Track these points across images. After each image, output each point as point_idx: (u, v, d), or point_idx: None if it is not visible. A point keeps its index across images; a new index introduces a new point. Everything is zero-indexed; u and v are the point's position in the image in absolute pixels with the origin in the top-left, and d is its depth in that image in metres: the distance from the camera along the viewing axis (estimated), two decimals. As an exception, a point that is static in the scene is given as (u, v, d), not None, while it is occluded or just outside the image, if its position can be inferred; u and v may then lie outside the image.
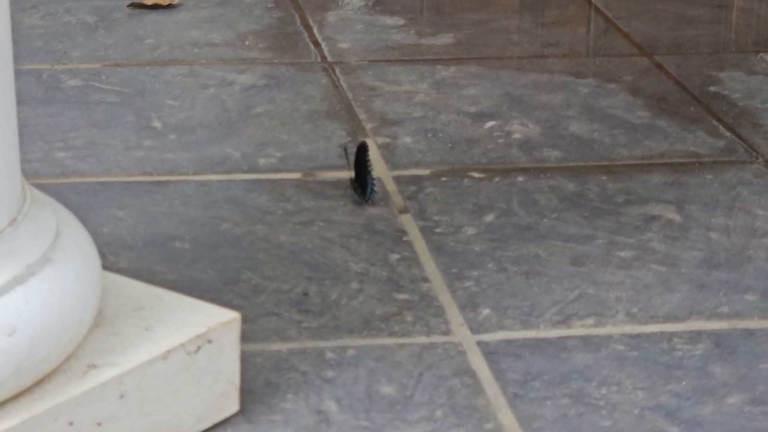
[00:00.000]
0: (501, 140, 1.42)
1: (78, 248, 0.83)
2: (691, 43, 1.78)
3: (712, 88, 1.59)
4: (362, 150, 1.25)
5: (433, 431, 0.87)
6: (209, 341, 0.84)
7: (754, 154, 1.41)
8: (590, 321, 1.04)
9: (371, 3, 1.85)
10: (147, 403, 0.82)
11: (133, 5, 1.78)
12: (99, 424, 0.79)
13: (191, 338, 0.83)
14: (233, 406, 0.88)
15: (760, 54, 1.69)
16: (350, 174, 1.28)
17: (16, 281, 0.74)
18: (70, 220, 0.87)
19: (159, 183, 1.29)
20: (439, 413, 0.89)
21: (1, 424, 0.75)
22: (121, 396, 0.79)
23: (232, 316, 0.87)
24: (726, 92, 1.57)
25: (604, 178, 1.33)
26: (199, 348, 0.83)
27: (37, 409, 0.77)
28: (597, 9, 1.88)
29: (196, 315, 0.87)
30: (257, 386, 0.93)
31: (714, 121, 1.49)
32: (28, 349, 0.74)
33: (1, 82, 0.78)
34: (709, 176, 1.35)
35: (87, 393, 0.78)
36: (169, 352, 0.82)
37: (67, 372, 0.80)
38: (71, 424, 0.77)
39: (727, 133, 1.45)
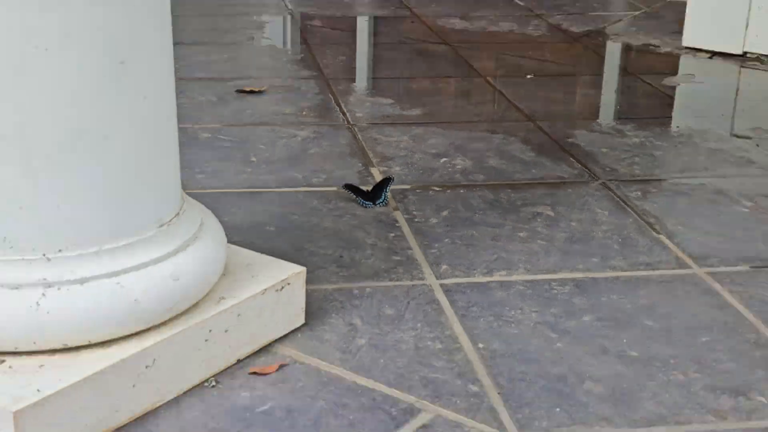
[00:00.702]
0: (449, 169, 1.82)
1: (213, 231, 1.13)
2: (557, 114, 2.21)
3: (569, 140, 1.99)
4: (388, 179, 1.66)
5: (416, 335, 1.21)
6: (288, 284, 1.17)
7: (594, 177, 1.80)
8: (503, 272, 1.41)
9: (373, 91, 2.28)
10: (252, 318, 1.12)
11: (238, 91, 2.23)
12: (226, 331, 1.10)
13: (278, 282, 1.15)
14: (301, 320, 1.22)
15: (595, 121, 2.15)
16: (366, 188, 1.65)
17: (178, 250, 1.04)
18: (208, 214, 1.17)
19: (255, 193, 1.68)
20: (419, 325, 1.24)
21: (169, 332, 1.03)
22: (239, 315, 1.10)
23: (300, 269, 1.20)
24: (577, 142, 1.98)
25: (509, 191, 1.72)
26: (282, 288, 1.16)
27: (191, 323, 1.06)
28: (502, 94, 2.30)
29: (281, 269, 1.19)
30: (314, 309, 1.26)
31: (571, 159, 1.89)
32: (185, 288, 1.03)
33: (168, 121, 1.06)
34: (569, 190, 1.73)
35: (219, 314, 1.08)
36: (265, 290, 1.13)
37: (207, 302, 1.09)
38: (210, 330, 1.08)
39: (578, 165, 1.85)
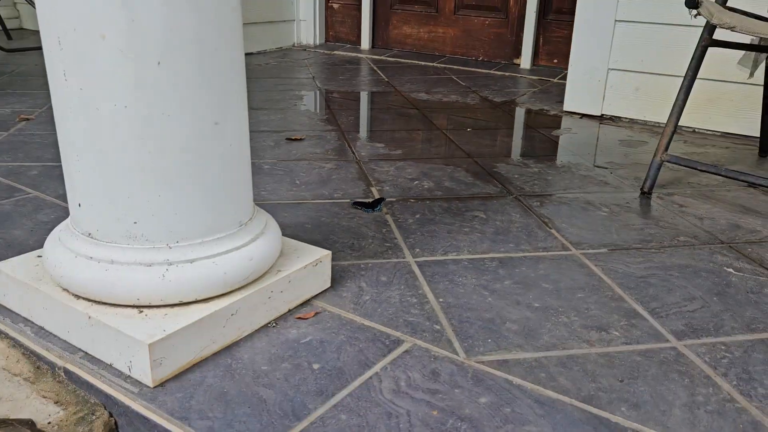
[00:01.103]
0: (420, 189, 1.78)
1: (273, 228, 1.12)
2: (485, 153, 2.21)
3: (494, 170, 1.96)
4: (382, 199, 1.64)
5: (400, 294, 1.20)
6: (320, 261, 1.16)
7: (510, 193, 1.78)
8: (455, 253, 1.38)
9: (371, 138, 2.25)
10: (298, 283, 1.13)
11: (287, 139, 2.19)
12: (282, 292, 1.10)
13: (314, 260, 1.15)
14: (328, 284, 1.21)
15: (509, 158, 2.11)
16: (367, 201, 1.62)
17: (252, 240, 1.04)
18: (270, 218, 1.15)
19: (299, 204, 1.62)
20: (402, 287, 1.23)
21: (246, 293, 1.02)
22: (289, 281, 1.11)
23: (328, 252, 1.18)
24: (500, 172, 1.96)
25: (457, 202, 1.69)
26: (316, 264, 1.15)
27: (259, 287, 1.05)
28: (453, 141, 2.28)
29: (316, 252, 1.17)
30: (336, 277, 1.25)
31: (495, 182, 1.85)
32: (257, 265, 1.03)
33: (244, 157, 1.06)
34: (494, 201, 1.70)
35: (277, 281, 1.08)
36: (306, 265, 1.14)
37: (270, 273, 1.09)
38: (272, 291, 1.07)
39: (500, 186, 1.82)
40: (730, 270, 1.37)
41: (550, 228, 1.57)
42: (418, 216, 1.61)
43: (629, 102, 2.64)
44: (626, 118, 2.67)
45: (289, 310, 1.15)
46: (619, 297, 1.25)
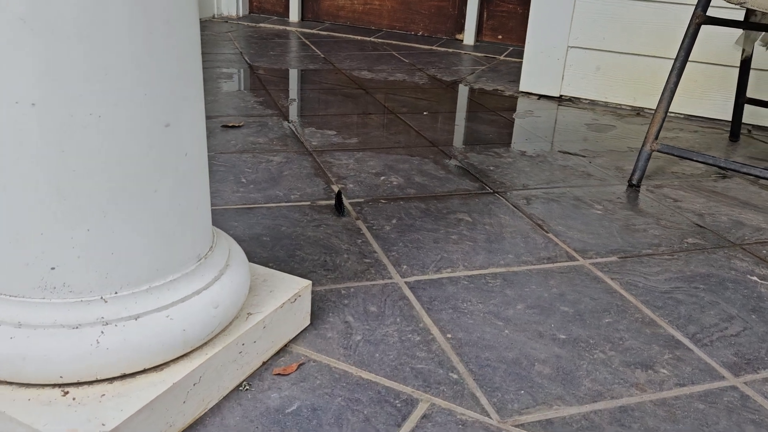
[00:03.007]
0: (389, 186, 1.55)
1: (239, 257, 0.86)
2: (449, 139, 1.97)
3: (466, 160, 1.74)
4: (340, 193, 1.40)
5: (398, 329, 0.97)
6: (299, 296, 0.92)
7: (490, 189, 1.56)
8: (449, 270, 1.17)
9: (319, 124, 1.97)
10: (274, 328, 0.88)
11: (223, 126, 1.90)
12: (255, 342, 0.84)
13: (291, 295, 0.90)
14: (307, 322, 0.96)
15: (479, 145, 1.86)
16: (333, 203, 1.39)
17: (215, 279, 0.79)
18: (232, 241, 0.89)
19: (250, 209, 1.35)
20: (398, 320, 1.00)
21: (212, 351, 0.77)
22: (264, 327, 0.86)
23: (307, 283, 0.94)
24: (472, 162, 1.73)
25: (435, 202, 1.46)
26: (295, 299, 0.91)
27: (228, 340, 0.80)
28: (411, 127, 2.02)
29: (291, 283, 0.93)
30: (315, 309, 1.01)
31: (471, 175, 1.64)
32: (223, 313, 0.78)
33: (203, 170, 0.79)
34: (476, 200, 1.48)
35: (249, 329, 0.83)
36: (283, 304, 0.89)
37: (239, 318, 0.84)
38: (243, 344, 0.82)
39: (477, 180, 1.61)
40: (755, 279, 1.22)
41: (547, 232, 1.37)
42: (394, 221, 1.37)
43: (589, 82, 2.48)
44: (586, 99, 2.52)
45: (264, 363, 0.89)
46: (650, 320, 1.06)
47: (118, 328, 0.70)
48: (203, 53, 3.03)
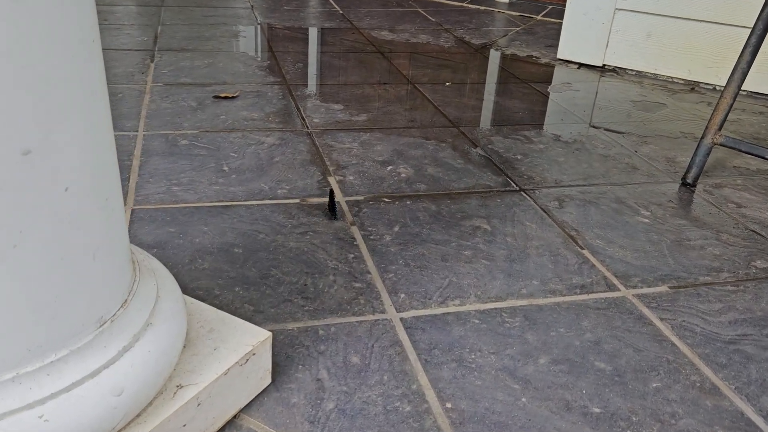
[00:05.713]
0: (396, 179, 1.32)
1: (170, 308, 0.65)
2: (472, 117, 1.71)
3: (489, 146, 1.51)
4: (332, 193, 1.18)
5: (384, 392, 0.77)
6: (254, 354, 0.71)
7: (515, 184, 1.33)
8: (458, 301, 0.95)
9: (326, 96, 1.73)
10: (215, 402, 0.68)
11: (215, 97, 1.69)
12: (184, 426, 0.64)
13: (243, 355, 0.69)
14: (267, 381, 0.76)
15: (505, 126, 1.51)
16: (327, 201, 1.19)
17: (124, 350, 0.58)
18: (167, 280, 0.69)
19: (226, 208, 1.16)
20: (385, 377, 0.79)
21: None
22: (198, 404, 0.66)
23: (267, 335, 0.73)
24: (496, 149, 1.49)
25: (449, 202, 1.24)
26: (247, 360, 0.70)
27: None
28: (429, 101, 1.77)
29: (245, 335, 0.72)
30: (281, 358, 0.80)
31: (494, 166, 1.41)
32: (132, 401, 0.58)
33: (103, 204, 0.59)
34: (498, 200, 1.26)
35: (177, 411, 0.63)
36: (229, 369, 0.68)
37: (165, 392, 0.64)
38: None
39: (501, 173, 1.37)
40: None
41: (582, 248, 1.13)
42: (397, 229, 1.14)
43: (638, 50, 2.18)
44: (633, 70, 2.22)
45: (201, 447, 0.68)
46: (712, 387, 0.83)
47: (-37, 439, 0.49)
48: (212, 5, 2.78)
